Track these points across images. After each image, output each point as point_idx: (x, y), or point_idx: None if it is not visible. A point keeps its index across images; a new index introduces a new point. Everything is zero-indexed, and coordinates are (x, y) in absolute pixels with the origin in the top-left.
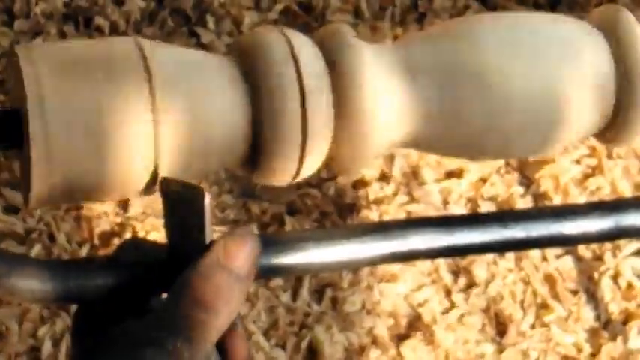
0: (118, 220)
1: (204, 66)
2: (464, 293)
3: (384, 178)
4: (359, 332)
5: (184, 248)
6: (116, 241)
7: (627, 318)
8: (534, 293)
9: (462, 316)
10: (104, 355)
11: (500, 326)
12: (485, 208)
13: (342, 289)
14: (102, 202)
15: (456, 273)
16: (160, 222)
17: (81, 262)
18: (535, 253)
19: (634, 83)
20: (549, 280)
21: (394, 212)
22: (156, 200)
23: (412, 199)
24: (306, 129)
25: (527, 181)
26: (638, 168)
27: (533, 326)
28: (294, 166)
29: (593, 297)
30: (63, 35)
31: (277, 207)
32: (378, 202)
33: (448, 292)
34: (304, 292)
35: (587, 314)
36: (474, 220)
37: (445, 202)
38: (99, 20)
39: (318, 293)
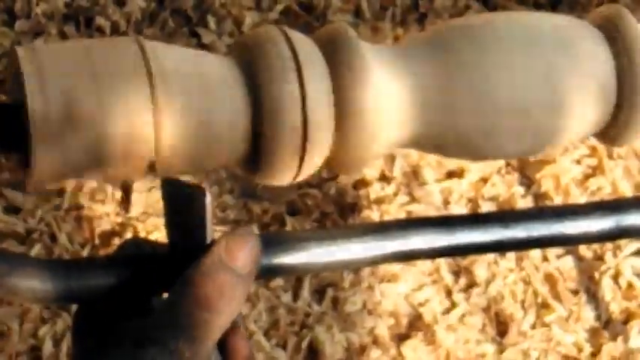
0: (119, 219)
1: (205, 66)
2: (464, 293)
3: (385, 178)
4: (360, 332)
5: (185, 248)
6: (117, 241)
7: (628, 318)
8: (535, 293)
9: (463, 316)
10: (105, 355)
11: (501, 326)
12: (486, 208)
13: (343, 290)
14: (103, 203)
15: (456, 273)
16: (161, 222)
17: (82, 262)
18: (536, 253)
19: (634, 83)
20: (550, 280)
21: (395, 212)
22: (157, 200)
23: (413, 199)
24: (307, 129)
25: (528, 181)
26: (638, 168)
27: (533, 326)
28: (294, 166)
29: (593, 297)
30: (64, 35)
31: (278, 207)
32: (379, 201)
33: (449, 292)
34: (305, 293)
35: (588, 314)
36: (474, 220)
37: (446, 202)
38: (100, 20)
39: (319, 293)
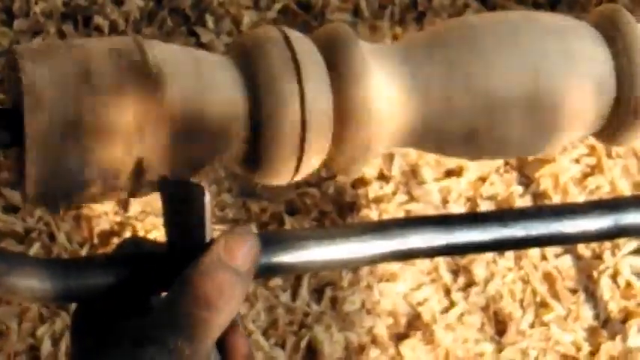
0: (118, 219)
1: (203, 65)
2: (463, 292)
3: (384, 177)
4: (358, 332)
5: (184, 246)
6: (116, 240)
7: (626, 317)
8: (534, 292)
9: (462, 315)
10: (104, 354)
11: (500, 325)
12: (485, 207)
13: (342, 289)
14: (100, 203)
15: (455, 272)
16: (160, 221)
17: (80, 261)
18: (534, 252)
19: (633, 82)
20: (549, 279)
21: (393, 211)
22: (155, 199)
23: (411, 198)
24: (305, 128)
25: (526, 180)
26: (637, 167)
27: (532, 325)
28: (293, 165)
29: (592, 296)
30: (62, 34)
31: (277, 206)
32: (378, 200)
33: (447, 292)
34: (304, 292)
35: (587, 313)
36: (473, 219)
37: (444, 201)
38: (98, 19)
39: (318, 293)
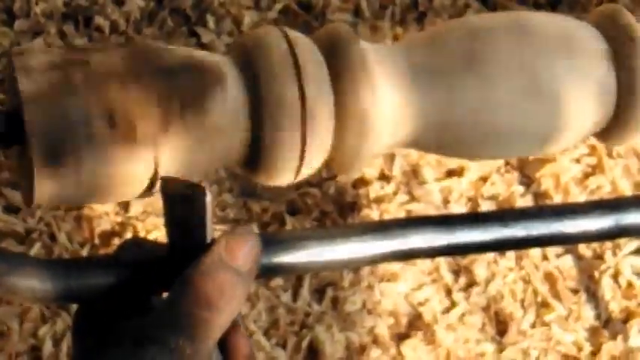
0: (119, 219)
1: (204, 66)
2: (464, 292)
3: (385, 177)
4: (359, 332)
5: (185, 247)
6: (117, 241)
7: (628, 317)
8: (535, 292)
9: (463, 315)
10: (106, 354)
11: (501, 325)
12: (486, 207)
13: (343, 289)
14: (103, 204)
15: (456, 272)
16: (161, 221)
17: (81, 261)
18: (535, 252)
19: (634, 83)
20: (550, 279)
21: (394, 211)
22: (156, 199)
23: (412, 198)
24: (306, 129)
25: (527, 180)
26: (638, 167)
27: (533, 325)
28: (294, 166)
29: (593, 296)
30: (63, 35)
31: (278, 206)
32: (379, 201)
33: (448, 292)
34: (305, 292)
35: (588, 313)
36: (474, 219)
37: (445, 201)
38: (99, 20)
39: (319, 293)
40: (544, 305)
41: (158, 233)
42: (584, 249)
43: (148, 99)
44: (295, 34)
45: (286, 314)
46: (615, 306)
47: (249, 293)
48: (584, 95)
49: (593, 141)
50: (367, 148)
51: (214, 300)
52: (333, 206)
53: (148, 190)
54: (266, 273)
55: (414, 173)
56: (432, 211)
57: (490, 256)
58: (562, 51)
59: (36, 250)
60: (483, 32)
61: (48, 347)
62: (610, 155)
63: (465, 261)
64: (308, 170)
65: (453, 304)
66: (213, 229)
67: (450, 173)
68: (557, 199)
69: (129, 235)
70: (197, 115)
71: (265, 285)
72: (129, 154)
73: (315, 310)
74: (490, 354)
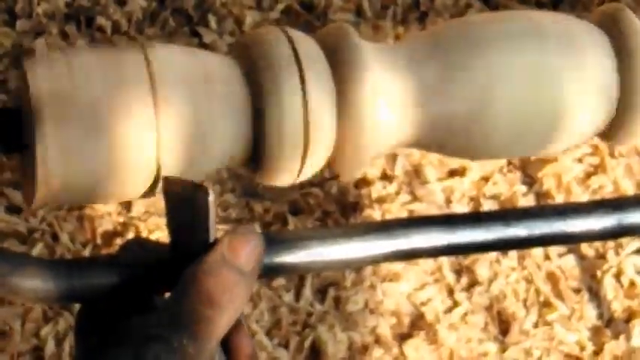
0: (121, 219)
1: (207, 66)
2: (467, 292)
3: (387, 177)
4: (362, 331)
5: (188, 246)
6: (119, 241)
7: (630, 316)
8: (537, 292)
9: (465, 315)
10: (108, 354)
11: (503, 325)
12: (488, 206)
13: (345, 289)
14: (105, 204)
15: (458, 272)
16: (163, 221)
17: (84, 261)
18: (538, 252)
19: (637, 82)
20: (552, 278)
21: (397, 211)
22: (159, 199)
23: (414, 198)
24: (309, 129)
25: (529, 180)
26: None
27: (536, 325)
28: (296, 166)
29: (596, 295)
30: (64, 35)
31: (280, 206)
32: (381, 200)
33: (451, 291)
34: (307, 292)
35: (590, 313)
36: (476, 218)
37: (448, 201)
38: (101, 20)
39: (321, 293)
40: (546, 305)
41: (160, 233)
42: (586, 248)
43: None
44: (297, 34)
45: (288, 314)
46: (618, 305)
47: (252, 293)
48: (586, 94)
49: (596, 141)
50: (369, 148)
51: (217, 298)
52: (336, 206)
53: (151, 191)
54: (268, 273)
55: (416, 173)
56: (434, 211)
57: (492, 255)
58: (564, 50)
59: (38, 250)
60: (485, 32)
61: (50, 347)
62: (612, 155)
63: (467, 261)
64: (310, 170)
65: (456, 304)
66: (216, 229)
67: (452, 173)
68: (559, 198)
69: (131, 235)
70: (199, 114)
71: (267, 285)
72: (131, 154)
73: (318, 309)
74: (492, 354)
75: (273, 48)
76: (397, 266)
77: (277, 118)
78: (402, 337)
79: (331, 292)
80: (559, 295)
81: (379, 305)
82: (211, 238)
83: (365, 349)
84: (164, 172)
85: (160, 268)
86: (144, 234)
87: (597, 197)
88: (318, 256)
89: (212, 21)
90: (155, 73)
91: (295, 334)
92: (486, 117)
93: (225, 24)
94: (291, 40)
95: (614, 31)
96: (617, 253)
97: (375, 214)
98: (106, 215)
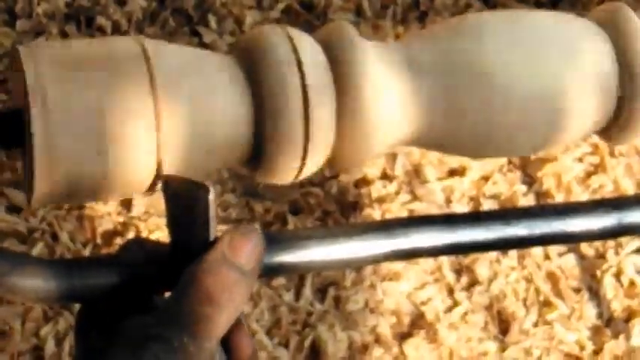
0: (121, 219)
1: (206, 65)
2: (467, 292)
3: (387, 176)
4: (362, 331)
5: (188, 245)
6: (119, 241)
7: (630, 316)
8: (537, 291)
9: (465, 314)
10: (108, 353)
11: (503, 324)
12: (488, 206)
13: (345, 288)
14: (105, 202)
15: (458, 271)
16: (163, 221)
17: (84, 261)
18: (538, 251)
19: (636, 81)
20: (552, 278)
21: (396, 210)
22: (159, 199)
23: (414, 198)
24: (309, 127)
25: (529, 179)
26: None
27: (536, 324)
28: (296, 164)
29: (595, 295)
30: (65, 35)
31: (280, 206)
32: (381, 200)
33: (451, 291)
34: (307, 291)
35: (590, 312)
36: (476, 218)
37: (448, 201)
38: (101, 20)
39: (321, 292)
40: (546, 304)
41: (160, 234)
42: (586, 248)
43: (149, 98)
44: (297, 33)
45: (289, 313)
46: (617, 305)
47: (252, 292)
48: (586, 93)
49: (596, 140)
50: (369, 147)
51: (217, 297)
52: (336, 206)
53: (150, 189)
54: (268, 272)
55: (416, 173)
56: (434, 211)
57: (492, 255)
58: (564, 49)
59: (38, 249)
60: (484, 31)
61: (50, 347)
62: (612, 154)
63: (467, 260)
64: (311, 168)
65: (456, 304)
66: (216, 228)
67: (452, 172)
68: (559, 198)
69: (131, 235)
70: (199, 113)
71: (268, 284)
72: (130, 153)
73: (318, 309)
74: (492, 353)
75: (274, 47)
76: (397, 266)
77: (277, 117)
78: (402, 337)
79: (331, 292)
80: (559, 295)
81: (379, 304)
82: (211, 237)
83: (365, 348)
84: (164, 172)
85: (159, 268)
86: (144, 234)
87: (597, 197)
88: (318, 256)
89: (212, 21)
90: (155, 73)
91: (295, 333)
92: (486, 115)
93: (225, 24)
94: (291, 39)
95: (613, 29)
96: (616, 253)
97: (375, 213)
98: (105, 215)
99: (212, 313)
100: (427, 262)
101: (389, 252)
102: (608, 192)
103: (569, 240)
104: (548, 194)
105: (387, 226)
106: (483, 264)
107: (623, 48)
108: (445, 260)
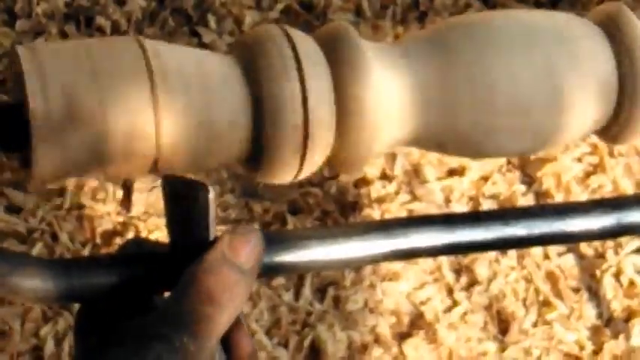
0: (120, 219)
1: (206, 65)
2: (466, 291)
3: (386, 176)
4: (361, 331)
5: (187, 245)
6: (118, 241)
7: (629, 316)
8: (536, 291)
9: (465, 314)
10: (108, 354)
11: (503, 324)
12: (487, 206)
13: (345, 288)
14: (104, 202)
15: (458, 271)
16: (163, 221)
17: (83, 261)
18: (537, 251)
19: (636, 81)
20: (551, 278)
21: (396, 210)
22: (158, 200)
23: (414, 198)
24: (308, 128)
25: (529, 179)
26: (639, 166)
27: (535, 324)
28: (295, 164)
29: (595, 295)
30: (64, 35)
31: (279, 206)
32: (380, 200)
33: (450, 291)
34: (306, 291)
35: (590, 312)
36: (475, 218)
37: (447, 201)
38: (100, 20)
39: (321, 292)
40: (546, 304)
41: (160, 233)
42: (585, 248)
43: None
44: (296, 33)
45: (288, 313)
46: (617, 305)
47: (251, 292)
48: (585, 93)
49: (595, 140)
50: (369, 146)
51: (217, 296)
52: (335, 206)
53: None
54: (268, 272)
55: (415, 173)
56: (433, 211)
57: (492, 255)
58: (563, 49)
59: (37, 249)
60: (483, 30)
61: (50, 347)
62: (611, 154)
63: (466, 260)
64: (309, 169)
65: (455, 303)
66: (216, 228)
67: (452, 172)
68: (558, 198)
69: (130, 235)
70: (198, 113)
71: (267, 284)
72: (130, 153)
73: (317, 309)
74: (492, 353)
75: (273, 47)
76: (397, 266)
77: (277, 117)
78: (402, 337)
79: (331, 292)
80: (558, 295)
81: (379, 304)
82: (211, 237)
83: (364, 348)
84: (163, 171)
85: (159, 268)
86: (144, 234)
87: (596, 196)
88: (317, 256)
89: (211, 21)
90: (155, 73)
91: (295, 333)
92: (485, 116)
93: (224, 24)
94: (290, 39)
95: (613, 29)
96: (616, 253)
97: (375, 213)
98: (105, 215)
99: (213, 313)
100: (426, 262)
101: (388, 252)
102: (607, 192)
103: (569, 240)
104: (547, 194)
105: (387, 226)
106: (483, 264)
107: (622, 48)
108: (444, 260)
